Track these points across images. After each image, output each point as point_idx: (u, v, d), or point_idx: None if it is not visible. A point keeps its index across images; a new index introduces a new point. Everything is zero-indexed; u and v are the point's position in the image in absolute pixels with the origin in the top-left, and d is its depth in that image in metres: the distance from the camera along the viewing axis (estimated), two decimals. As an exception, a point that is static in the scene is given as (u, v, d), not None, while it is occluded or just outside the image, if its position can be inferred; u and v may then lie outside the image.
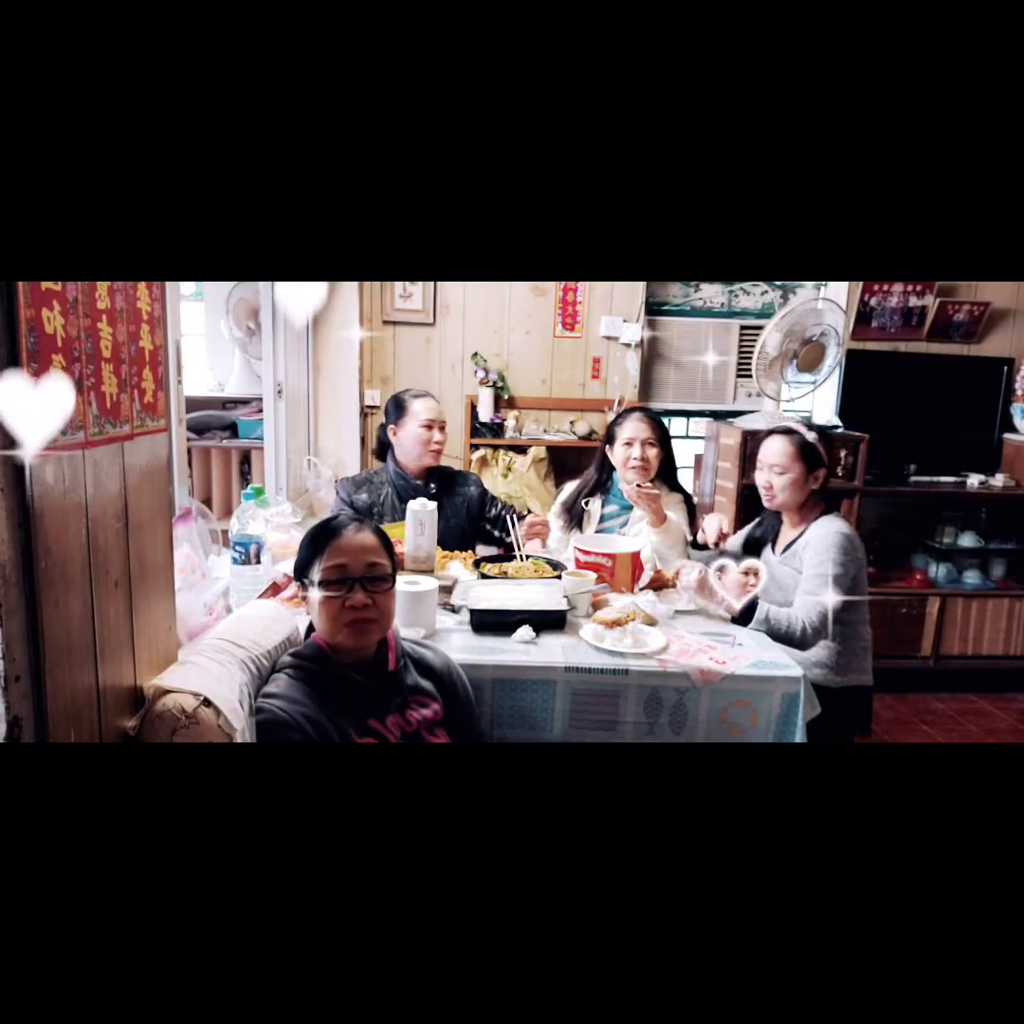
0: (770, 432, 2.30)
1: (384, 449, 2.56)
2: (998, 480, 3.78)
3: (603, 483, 2.58)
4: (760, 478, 2.27)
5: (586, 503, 2.53)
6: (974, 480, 3.77)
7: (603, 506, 2.54)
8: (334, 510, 2.42)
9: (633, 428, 2.46)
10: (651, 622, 1.88)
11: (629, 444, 2.45)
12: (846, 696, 2.19)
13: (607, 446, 2.55)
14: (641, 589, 2.13)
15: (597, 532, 2.51)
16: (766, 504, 2.30)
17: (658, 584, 2.15)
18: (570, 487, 2.69)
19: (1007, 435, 3.94)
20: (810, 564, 2.13)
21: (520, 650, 1.75)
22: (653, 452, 2.45)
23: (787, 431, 2.24)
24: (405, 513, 2.21)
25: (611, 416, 2.79)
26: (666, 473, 2.53)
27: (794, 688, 1.68)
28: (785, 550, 2.28)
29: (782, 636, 1.97)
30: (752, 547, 2.44)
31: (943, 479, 3.79)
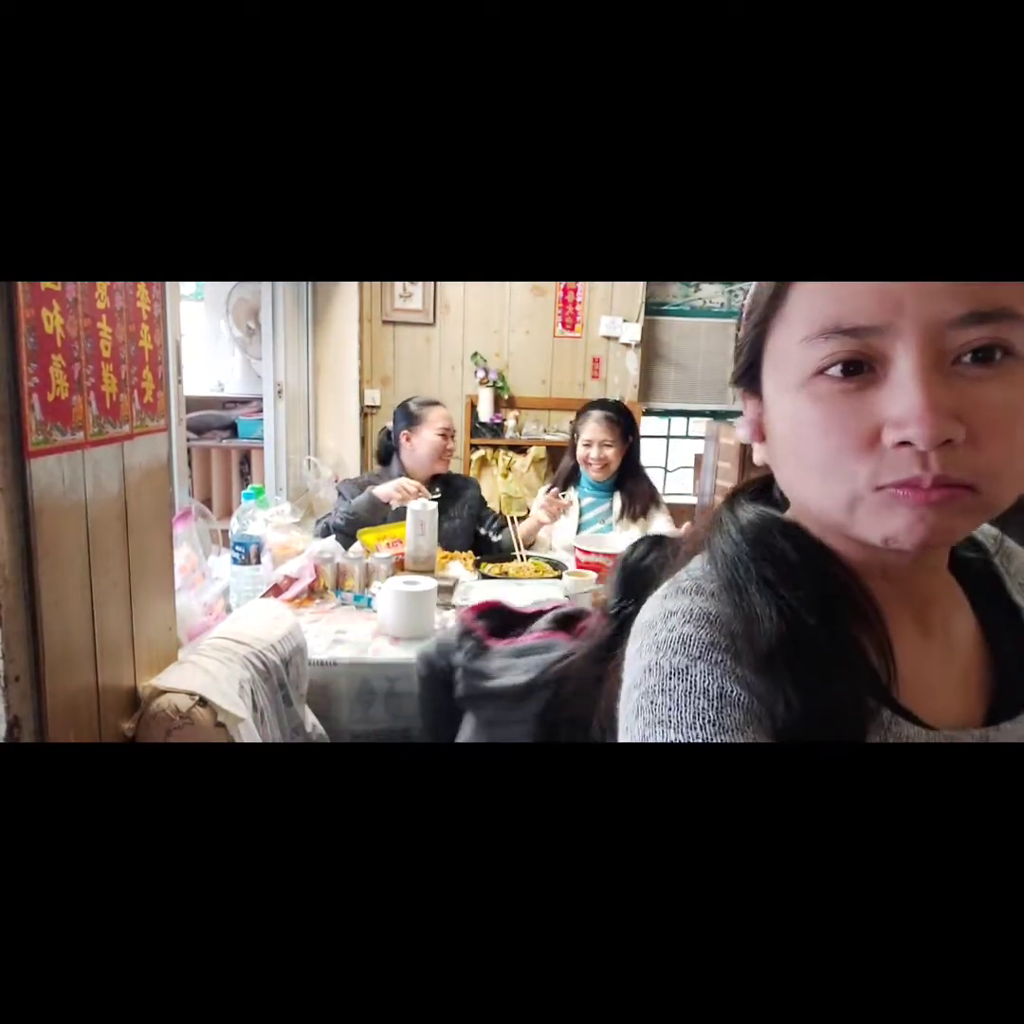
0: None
1: (388, 454, 2.58)
2: (998, 480, 3.77)
3: (576, 472, 2.72)
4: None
5: (563, 494, 2.67)
6: (974, 480, 3.76)
7: (580, 497, 2.70)
8: (335, 510, 2.43)
9: (590, 430, 2.61)
10: (651, 622, 1.88)
11: (588, 445, 2.62)
12: None
13: (574, 438, 2.71)
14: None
15: (581, 523, 2.64)
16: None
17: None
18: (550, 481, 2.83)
19: (1007, 435, 3.94)
20: None
21: (520, 650, 1.75)
22: (610, 452, 2.60)
23: None
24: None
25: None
26: (628, 466, 2.66)
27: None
28: None
29: None
30: None
31: (943, 479, 3.78)
